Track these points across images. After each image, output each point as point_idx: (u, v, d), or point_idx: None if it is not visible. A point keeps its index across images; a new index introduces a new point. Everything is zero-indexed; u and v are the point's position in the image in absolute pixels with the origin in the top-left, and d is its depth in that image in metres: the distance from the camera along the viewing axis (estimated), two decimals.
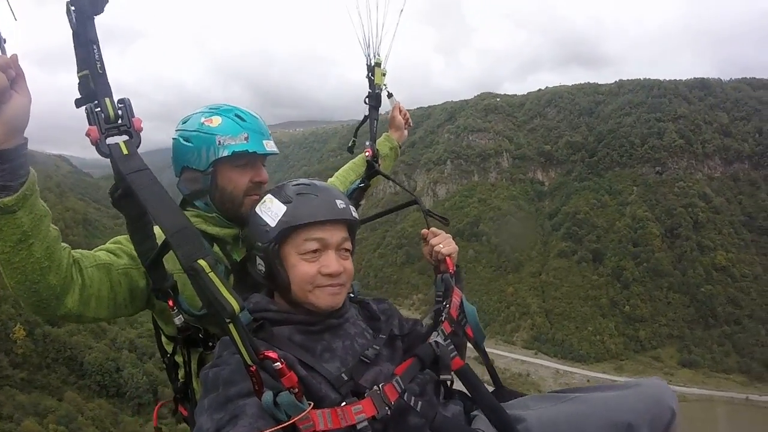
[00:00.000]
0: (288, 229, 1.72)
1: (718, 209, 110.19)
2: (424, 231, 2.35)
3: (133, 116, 1.55)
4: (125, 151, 1.49)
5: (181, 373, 2.21)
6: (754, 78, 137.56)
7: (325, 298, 1.74)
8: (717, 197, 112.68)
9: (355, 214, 1.85)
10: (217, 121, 2.12)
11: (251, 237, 1.82)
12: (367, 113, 3.15)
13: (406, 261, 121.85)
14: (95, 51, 1.49)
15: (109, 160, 1.52)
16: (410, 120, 3.59)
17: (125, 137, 1.52)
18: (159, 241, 1.71)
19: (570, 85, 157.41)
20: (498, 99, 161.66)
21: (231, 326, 1.29)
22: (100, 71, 1.49)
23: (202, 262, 1.30)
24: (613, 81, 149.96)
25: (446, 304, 2.01)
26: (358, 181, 3.05)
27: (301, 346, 1.67)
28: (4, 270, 1.56)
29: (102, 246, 1.96)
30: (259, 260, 1.78)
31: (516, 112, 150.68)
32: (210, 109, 2.19)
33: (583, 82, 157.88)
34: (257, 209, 1.83)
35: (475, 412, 1.85)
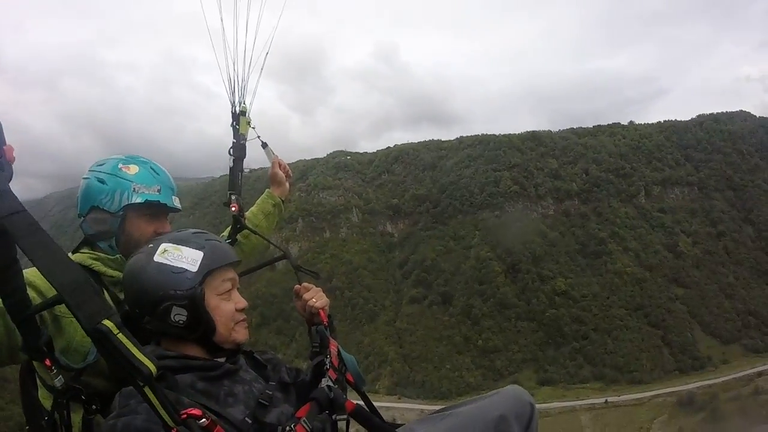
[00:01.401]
0: (209, 273, 1.78)
1: (554, 242, 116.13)
2: (297, 287, 2.37)
3: (3, 143, 1.34)
4: None
5: (77, 416, 1.96)
6: (580, 127, 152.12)
7: (243, 333, 1.88)
8: (552, 232, 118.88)
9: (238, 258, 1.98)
10: (134, 169, 2.21)
11: (161, 288, 1.71)
12: (231, 164, 3.02)
13: (261, 323, 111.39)
14: None
15: None
16: (290, 172, 3.46)
17: None
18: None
19: (416, 142, 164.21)
20: (349, 157, 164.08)
21: (147, 389, 1.23)
22: None
23: (107, 322, 1.21)
24: (455, 137, 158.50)
25: (327, 355, 2.06)
26: (225, 237, 2.90)
27: (204, 392, 1.65)
28: None
29: None
30: (176, 310, 1.71)
31: (365, 169, 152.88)
32: (127, 157, 2.28)
33: (430, 138, 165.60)
34: (160, 259, 1.75)
35: None
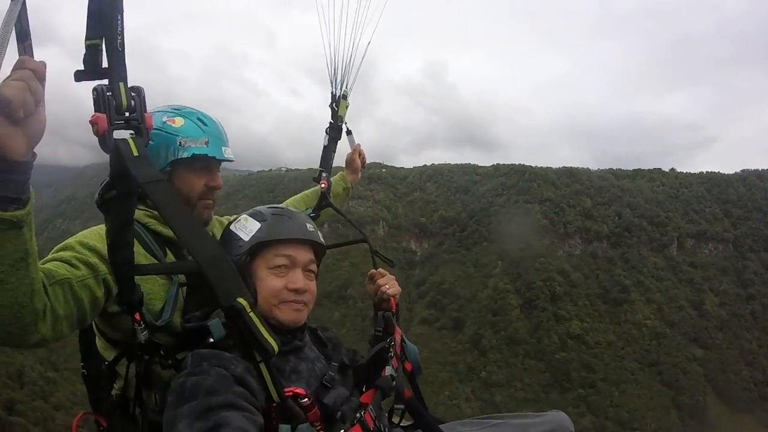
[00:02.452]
0: (261, 244, 1.84)
1: (575, 283, 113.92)
2: (372, 271, 2.45)
3: (145, 111, 1.42)
4: (135, 152, 1.36)
5: (118, 384, 2.00)
6: (620, 169, 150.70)
7: (289, 313, 1.84)
8: (575, 272, 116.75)
9: (322, 240, 2.00)
10: (179, 122, 2.10)
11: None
12: (326, 143, 3.21)
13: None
14: (119, 22, 1.33)
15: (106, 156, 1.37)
16: (366, 161, 3.62)
17: (132, 134, 1.39)
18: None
19: (452, 163, 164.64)
20: (384, 170, 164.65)
21: (263, 365, 1.32)
22: (120, 48, 1.33)
23: (242, 300, 1.28)
24: (491, 164, 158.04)
25: (391, 342, 2.10)
26: (309, 210, 3.03)
27: (272, 365, 1.63)
28: None
29: (53, 254, 1.74)
30: None
31: (398, 184, 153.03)
32: (173, 109, 2.17)
33: (467, 162, 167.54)
34: (232, 227, 1.94)
35: None
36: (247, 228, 1.88)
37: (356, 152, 3.51)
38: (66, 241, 1.82)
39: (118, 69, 1.34)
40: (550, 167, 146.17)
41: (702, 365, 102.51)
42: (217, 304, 1.30)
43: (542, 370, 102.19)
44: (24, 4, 1.23)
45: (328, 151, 3.23)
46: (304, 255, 1.92)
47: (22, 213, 1.29)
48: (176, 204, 1.38)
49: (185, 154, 2.06)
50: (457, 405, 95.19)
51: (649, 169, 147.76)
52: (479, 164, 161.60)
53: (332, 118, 3.23)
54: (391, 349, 2.06)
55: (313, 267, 1.98)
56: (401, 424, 2.17)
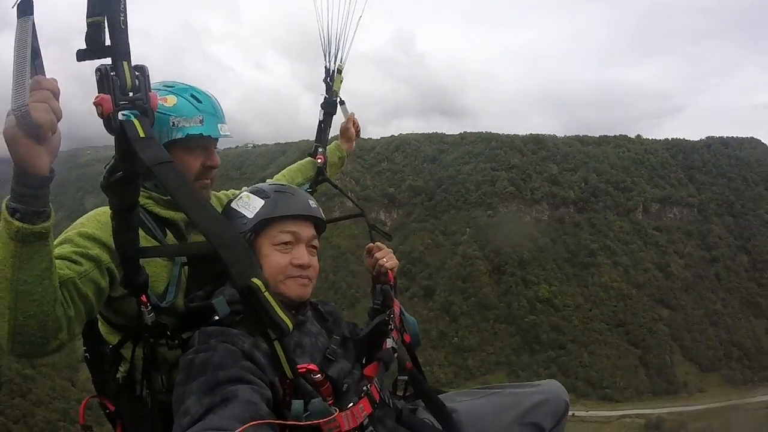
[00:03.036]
0: (265, 221, 1.86)
1: (543, 248, 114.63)
2: (370, 245, 2.47)
3: (150, 90, 1.40)
4: (141, 133, 1.35)
5: (124, 367, 2.00)
6: (586, 135, 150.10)
7: (295, 289, 1.88)
8: (542, 237, 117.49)
9: (323, 216, 2.04)
10: (172, 100, 2.01)
11: None
12: (321, 118, 3.23)
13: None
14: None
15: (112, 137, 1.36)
16: (360, 130, 3.58)
17: (138, 114, 1.37)
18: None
19: (419, 133, 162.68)
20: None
21: (276, 343, 1.33)
22: (123, 26, 1.30)
23: (257, 281, 1.28)
24: (458, 132, 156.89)
25: (390, 314, 2.13)
26: (306, 186, 3.03)
27: (286, 343, 1.67)
28: (18, 303, 1.35)
29: (55, 253, 1.62)
30: None
31: (366, 155, 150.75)
32: (165, 86, 2.07)
33: (435, 131, 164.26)
34: (234, 204, 1.96)
35: (411, 405, 2.12)
36: (250, 205, 1.89)
37: (350, 121, 3.44)
38: (64, 233, 1.77)
39: (121, 47, 1.30)
40: (517, 134, 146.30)
41: (668, 325, 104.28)
42: (232, 284, 1.31)
43: (512, 334, 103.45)
44: (33, 21, 1.21)
45: (324, 126, 3.22)
46: (307, 231, 1.95)
47: (47, 225, 1.33)
48: (187, 185, 1.35)
49: (179, 135, 1.97)
50: (431, 371, 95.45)
51: (615, 136, 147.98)
52: (447, 133, 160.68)
53: (326, 93, 3.20)
54: (390, 322, 2.08)
55: (316, 242, 2.01)
56: (404, 395, 2.20)
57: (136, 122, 1.35)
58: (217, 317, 1.67)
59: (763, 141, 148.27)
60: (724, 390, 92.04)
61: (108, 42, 1.29)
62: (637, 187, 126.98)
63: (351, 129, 3.49)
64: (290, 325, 1.31)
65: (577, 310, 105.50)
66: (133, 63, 1.34)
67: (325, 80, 3.19)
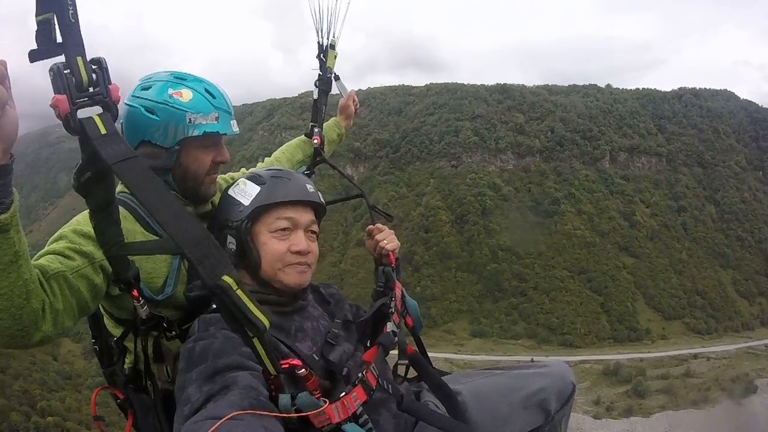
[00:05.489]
0: (261, 208, 1.82)
1: (507, 197, 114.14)
2: (370, 227, 2.40)
3: (110, 83, 1.33)
4: (103, 129, 1.28)
5: (129, 359, 2.00)
6: (555, 84, 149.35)
7: (293, 276, 1.83)
8: (506, 186, 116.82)
9: (322, 200, 1.98)
10: (187, 95, 1.95)
11: (222, 216, 1.88)
12: (315, 97, 3.12)
13: None
14: None
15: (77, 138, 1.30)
16: (359, 106, 3.49)
17: (99, 109, 1.30)
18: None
19: (384, 86, 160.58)
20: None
21: (256, 341, 1.28)
22: (72, 19, 1.24)
23: (227, 278, 1.23)
24: (424, 84, 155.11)
25: (392, 298, 2.10)
26: (304, 167, 2.99)
27: (277, 326, 1.71)
28: None
29: (47, 247, 1.70)
30: (230, 239, 1.83)
31: (331, 111, 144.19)
32: (176, 78, 2.00)
33: (401, 84, 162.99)
34: (230, 191, 1.92)
35: (415, 388, 2.11)
36: (246, 192, 1.85)
37: (351, 98, 3.36)
38: (60, 230, 1.76)
39: (73, 42, 1.23)
40: (483, 84, 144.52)
41: (631, 273, 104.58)
42: (202, 283, 1.27)
43: (474, 282, 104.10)
44: None
45: (319, 104, 3.10)
46: (305, 216, 1.90)
47: (5, 217, 1.27)
48: (150, 182, 1.28)
49: (196, 132, 1.92)
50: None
51: (584, 85, 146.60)
52: (414, 85, 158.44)
53: (320, 70, 3.11)
54: (392, 305, 2.05)
55: (315, 227, 1.96)
56: (406, 377, 2.18)
57: (97, 119, 1.27)
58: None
59: (736, 94, 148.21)
60: (687, 339, 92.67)
61: (60, 39, 1.22)
62: (605, 136, 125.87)
63: (350, 106, 3.35)
64: (266, 323, 1.26)
65: (539, 258, 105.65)
66: (91, 56, 1.27)
67: (318, 56, 3.08)
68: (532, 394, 2.06)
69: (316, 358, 1.74)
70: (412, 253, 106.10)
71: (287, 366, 1.38)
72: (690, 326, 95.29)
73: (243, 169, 2.69)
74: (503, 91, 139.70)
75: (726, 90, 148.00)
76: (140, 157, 1.29)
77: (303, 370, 1.40)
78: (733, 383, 77.08)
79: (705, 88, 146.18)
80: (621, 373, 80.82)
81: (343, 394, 1.59)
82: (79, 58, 1.23)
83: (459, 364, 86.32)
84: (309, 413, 1.41)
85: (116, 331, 1.94)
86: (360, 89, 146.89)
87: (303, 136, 3.12)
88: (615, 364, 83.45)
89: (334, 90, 3.21)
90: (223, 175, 2.36)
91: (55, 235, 1.73)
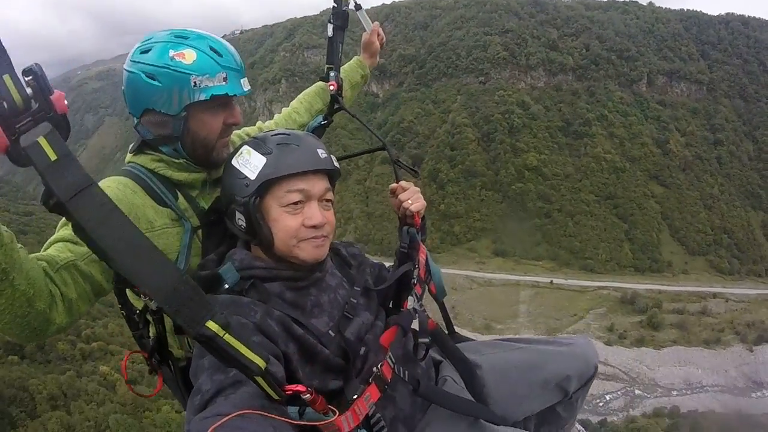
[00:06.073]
0: (269, 182, 1.66)
1: (535, 116, 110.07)
2: (394, 185, 2.23)
3: (51, 93, 1.12)
4: (52, 155, 1.07)
5: (152, 330, 1.92)
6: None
7: (310, 251, 1.70)
8: (536, 105, 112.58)
9: (336, 164, 1.80)
10: (190, 56, 1.76)
11: (229, 191, 1.71)
12: (330, 34, 2.62)
13: None
14: None
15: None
16: (385, 41, 3.04)
17: (46, 128, 1.08)
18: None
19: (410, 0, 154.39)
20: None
21: (258, 378, 1.23)
22: None
23: (212, 324, 1.14)
24: None
25: (416, 266, 2.01)
26: (320, 117, 2.59)
27: (292, 303, 1.67)
28: None
29: (56, 236, 1.62)
30: (238, 215, 1.69)
31: (354, 27, 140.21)
32: (177, 37, 1.81)
33: None
34: (234, 162, 1.73)
35: (436, 356, 2.08)
36: (251, 163, 1.67)
37: (375, 33, 2.88)
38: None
39: None
40: None
41: (660, 203, 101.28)
42: (187, 331, 1.18)
43: (499, 201, 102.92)
44: None
45: (335, 43, 2.60)
46: (319, 185, 1.72)
47: None
48: (109, 219, 1.11)
49: (203, 97, 1.76)
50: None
51: (623, 1, 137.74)
52: None
53: (335, 2, 2.62)
54: (415, 274, 1.96)
55: (330, 195, 1.78)
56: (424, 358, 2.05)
57: (44, 143, 1.07)
58: (226, 285, 1.61)
59: None
60: (709, 276, 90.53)
61: None
62: (644, 57, 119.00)
63: (375, 42, 2.89)
64: (261, 364, 1.20)
65: (566, 180, 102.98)
66: (22, 67, 1.08)
67: None
68: (554, 376, 2.04)
69: (332, 334, 1.66)
70: (437, 171, 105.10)
71: (291, 392, 1.31)
72: (713, 264, 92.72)
73: (259, 122, 2.49)
74: (536, 4, 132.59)
75: None
76: (95, 186, 1.10)
77: (308, 395, 1.32)
78: (747, 328, 76.34)
79: (755, 17, 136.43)
80: (638, 303, 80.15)
81: (355, 396, 1.52)
82: (6, 77, 1.02)
83: (479, 282, 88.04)
84: (319, 423, 1.36)
85: (138, 303, 1.82)
86: (384, 3, 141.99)
87: (319, 81, 2.69)
88: (633, 293, 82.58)
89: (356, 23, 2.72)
90: (238, 132, 2.21)
91: (63, 220, 1.59)
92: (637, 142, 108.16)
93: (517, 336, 2.26)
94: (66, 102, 1.12)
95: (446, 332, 2.12)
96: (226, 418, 1.20)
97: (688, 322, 76.73)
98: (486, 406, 1.90)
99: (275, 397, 1.27)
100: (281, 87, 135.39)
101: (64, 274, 1.48)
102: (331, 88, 2.57)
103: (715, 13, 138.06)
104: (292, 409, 1.33)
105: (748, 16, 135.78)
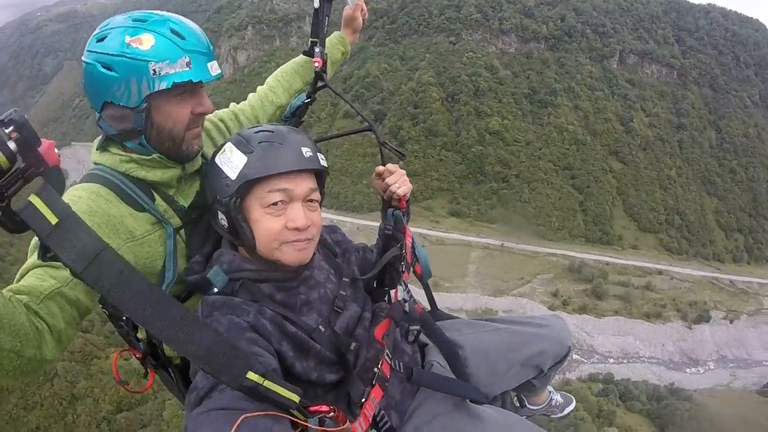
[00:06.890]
0: (250, 182, 1.59)
1: (503, 81, 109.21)
2: (380, 168, 2.19)
3: (38, 144, 1.03)
4: (52, 218, 0.99)
5: (141, 333, 1.87)
6: None
7: (292, 255, 1.64)
8: (504, 70, 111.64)
9: (323, 163, 1.71)
10: (148, 41, 1.58)
11: (211, 190, 1.65)
12: (316, 5, 2.37)
13: None
14: None
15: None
16: (367, 16, 2.81)
17: (38, 185, 1.03)
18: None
19: None
20: None
21: (294, 411, 1.31)
22: None
23: (252, 375, 1.19)
24: None
25: (403, 251, 2.02)
26: (304, 95, 2.46)
27: (282, 303, 1.65)
28: None
29: (32, 261, 1.43)
30: (221, 215, 1.63)
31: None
32: (134, 21, 1.62)
33: None
34: (217, 159, 1.66)
35: (423, 340, 2.11)
36: (232, 162, 1.60)
37: (358, 8, 2.66)
38: None
39: None
40: None
41: (617, 179, 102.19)
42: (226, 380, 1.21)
43: (458, 162, 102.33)
44: None
45: (321, 15, 2.33)
46: (303, 185, 1.64)
47: None
48: (131, 283, 1.06)
49: (163, 85, 1.59)
50: (375, 193, 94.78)
51: None
52: None
53: None
54: (402, 260, 1.99)
55: (315, 195, 1.70)
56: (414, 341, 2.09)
57: (38, 202, 0.98)
58: (216, 289, 1.59)
59: (766, 26, 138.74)
60: (657, 254, 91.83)
61: None
62: (618, 35, 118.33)
63: (358, 18, 2.67)
64: (296, 399, 1.28)
65: (526, 147, 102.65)
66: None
67: None
68: (531, 356, 2.16)
69: (323, 330, 1.65)
70: (398, 128, 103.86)
71: (315, 411, 1.35)
72: (662, 243, 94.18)
73: (233, 105, 2.31)
74: None
75: (758, 20, 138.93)
76: (108, 251, 1.03)
77: (332, 413, 1.36)
78: (689, 307, 78.10)
79: (735, 12, 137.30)
80: (584, 272, 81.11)
81: (364, 399, 1.59)
82: None
83: (431, 240, 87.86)
84: (334, 430, 1.39)
85: None
86: None
87: (301, 55, 2.49)
88: (580, 262, 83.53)
89: None
90: (210, 117, 2.09)
91: (35, 240, 1.42)
92: (601, 117, 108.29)
93: (495, 316, 2.38)
94: (57, 151, 1.01)
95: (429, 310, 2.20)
96: (235, 426, 1.19)
97: (632, 294, 78.04)
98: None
99: (302, 418, 1.32)
100: (247, 34, 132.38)
101: (49, 304, 1.33)
102: (316, 64, 2.33)
103: (697, 1, 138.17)
104: (312, 421, 1.35)
105: (729, 10, 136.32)
